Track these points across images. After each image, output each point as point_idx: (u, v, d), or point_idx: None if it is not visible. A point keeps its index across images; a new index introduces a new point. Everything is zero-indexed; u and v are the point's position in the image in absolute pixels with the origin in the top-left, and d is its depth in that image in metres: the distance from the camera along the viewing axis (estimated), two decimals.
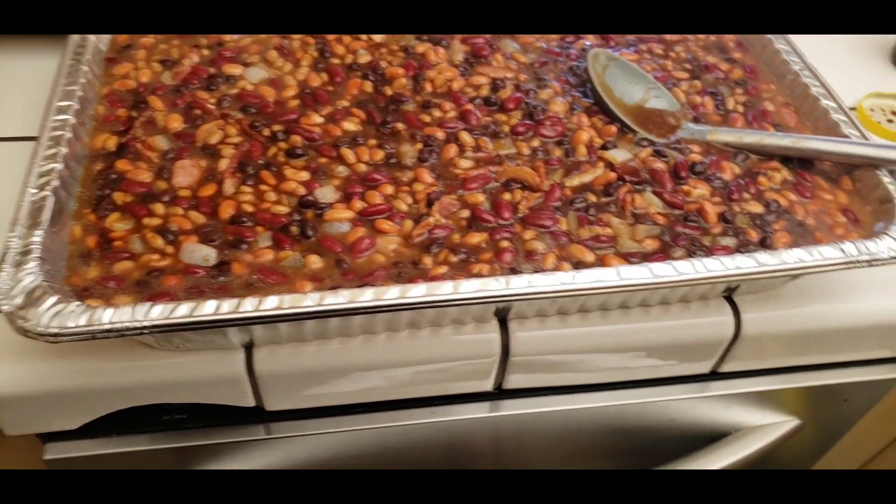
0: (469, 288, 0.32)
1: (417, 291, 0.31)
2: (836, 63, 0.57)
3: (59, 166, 0.35)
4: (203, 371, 0.36)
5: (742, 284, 0.39)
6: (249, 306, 0.31)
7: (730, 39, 0.49)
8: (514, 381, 0.41)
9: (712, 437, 0.47)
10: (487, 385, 0.41)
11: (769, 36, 0.47)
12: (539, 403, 0.42)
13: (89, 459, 0.39)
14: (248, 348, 0.36)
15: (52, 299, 0.30)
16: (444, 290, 0.32)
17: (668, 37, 0.49)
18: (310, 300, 0.31)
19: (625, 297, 0.38)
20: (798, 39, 0.49)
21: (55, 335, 0.29)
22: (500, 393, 0.42)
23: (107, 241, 0.34)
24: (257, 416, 0.40)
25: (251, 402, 0.39)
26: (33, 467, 0.40)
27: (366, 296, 0.31)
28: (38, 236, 0.32)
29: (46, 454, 0.38)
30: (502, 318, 0.38)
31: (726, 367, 0.43)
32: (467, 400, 0.42)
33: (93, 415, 0.37)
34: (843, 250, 0.35)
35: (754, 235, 0.37)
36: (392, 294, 0.31)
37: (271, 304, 0.31)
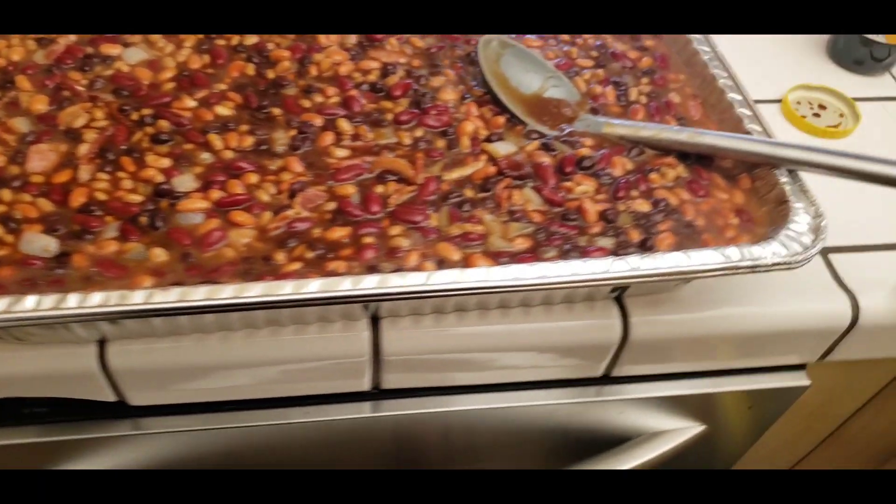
0: (311, 288, 0.30)
1: (253, 291, 0.30)
2: (768, 54, 0.55)
3: None
4: (52, 365, 0.35)
5: (631, 286, 0.37)
6: (73, 302, 0.29)
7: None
8: (392, 380, 0.39)
9: (612, 441, 0.45)
10: (364, 385, 0.39)
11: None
12: (422, 404, 0.41)
13: None
14: (101, 343, 0.35)
15: None
16: (284, 290, 0.30)
17: None
18: (137, 297, 0.29)
19: (505, 298, 0.36)
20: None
21: None
22: (379, 393, 0.40)
23: None
24: (123, 410, 0.38)
25: (112, 398, 0.37)
26: None
27: (196, 294, 0.29)
28: None
29: None
30: (374, 316, 0.36)
31: (620, 371, 0.41)
32: (346, 399, 0.40)
33: None
34: (724, 255, 0.33)
35: (636, 236, 0.35)
36: (225, 294, 0.30)
37: (95, 301, 0.29)
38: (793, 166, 0.37)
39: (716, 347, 0.41)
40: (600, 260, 0.32)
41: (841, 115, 0.50)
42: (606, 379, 0.42)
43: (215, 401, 0.39)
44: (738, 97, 0.41)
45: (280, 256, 0.33)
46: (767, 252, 0.33)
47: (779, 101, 0.51)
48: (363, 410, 0.40)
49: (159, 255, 0.32)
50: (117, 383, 0.36)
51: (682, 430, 0.46)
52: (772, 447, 0.54)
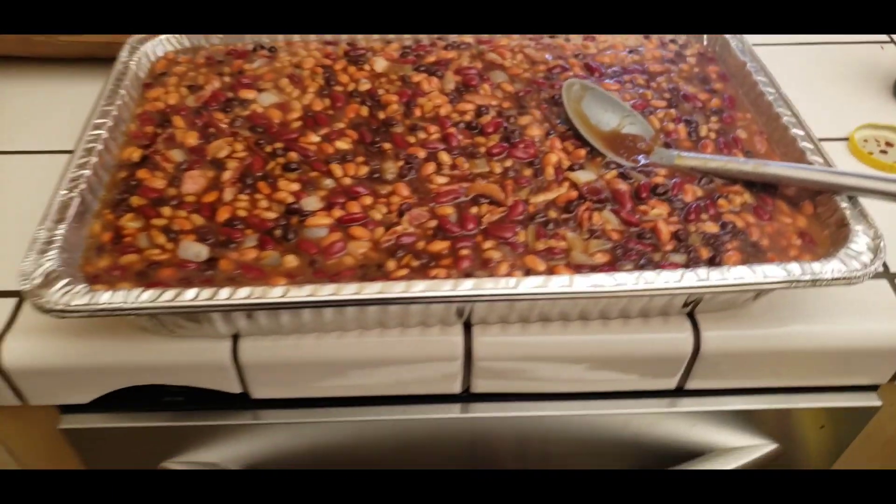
0: (418, 288, 0.35)
1: (371, 290, 0.35)
2: (833, 95, 0.58)
3: (87, 173, 0.41)
4: (193, 356, 0.41)
5: (702, 301, 0.40)
6: (224, 295, 0.35)
7: (713, 71, 0.52)
8: (480, 385, 0.43)
9: (685, 455, 0.48)
10: (455, 387, 0.44)
11: (748, 68, 0.49)
12: (506, 408, 0.45)
13: (96, 431, 0.44)
14: (235, 338, 0.41)
15: (64, 282, 0.35)
16: (396, 289, 0.35)
17: (651, 68, 0.51)
18: (277, 292, 0.35)
19: (585, 308, 0.40)
20: (787, 71, 0.51)
21: (61, 311, 0.35)
22: (468, 396, 0.45)
23: (119, 237, 0.40)
24: (245, 402, 0.44)
25: (237, 389, 0.43)
26: (50, 436, 0.45)
27: (325, 290, 0.35)
28: (61, 230, 0.38)
29: (61, 424, 0.44)
30: (466, 323, 0.41)
31: (692, 385, 0.44)
32: (440, 401, 0.45)
33: (101, 391, 0.43)
34: (787, 270, 0.37)
35: (705, 254, 0.39)
36: (348, 290, 0.35)
37: (242, 294, 0.35)
38: (852, 192, 0.40)
39: (785, 364, 0.43)
40: (673, 272, 0.36)
41: None
42: (680, 392, 0.45)
43: (326, 397, 0.44)
44: (801, 132, 0.44)
45: (391, 264, 0.38)
46: (828, 268, 0.37)
47: (846, 139, 0.54)
48: (453, 412, 0.45)
49: (291, 261, 0.39)
50: (244, 376, 0.42)
51: (753, 448, 0.48)
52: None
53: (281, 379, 0.42)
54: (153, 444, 0.46)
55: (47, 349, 0.41)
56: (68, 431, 0.44)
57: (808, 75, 0.60)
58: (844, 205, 0.40)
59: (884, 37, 0.66)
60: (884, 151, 0.53)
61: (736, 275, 0.36)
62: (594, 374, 0.43)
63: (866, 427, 0.48)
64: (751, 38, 0.62)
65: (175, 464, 0.47)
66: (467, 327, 0.41)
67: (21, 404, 0.43)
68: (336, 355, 0.41)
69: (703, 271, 0.36)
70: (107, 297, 0.35)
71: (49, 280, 0.35)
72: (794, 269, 0.37)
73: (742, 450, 0.48)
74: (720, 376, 0.44)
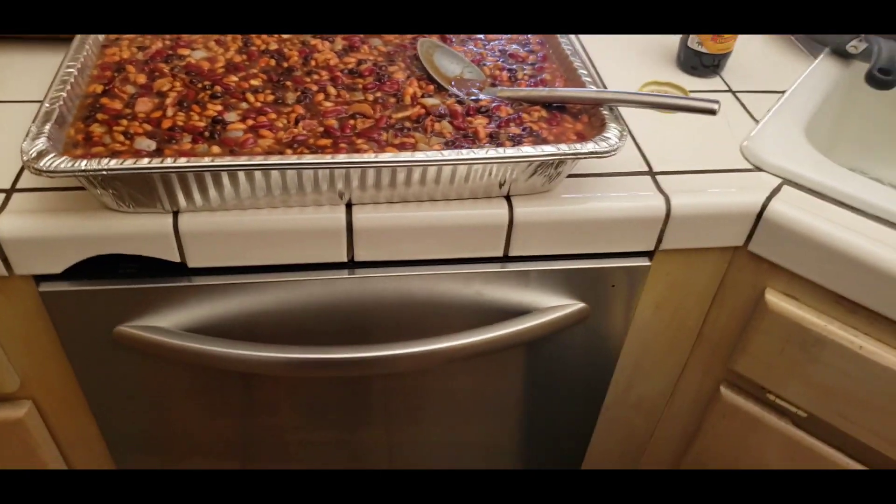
0: (308, 159, 0.51)
1: (272, 160, 0.51)
2: (633, 64, 0.78)
3: (63, 94, 0.56)
4: (143, 229, 0.55)
5: (512, 183, 0.58)
6: (169, 162, 0.50)
7: (534, 39, 0.70)
8: (361, 254, 0.59)
9: (515, 312, 0.64)
10: (343, 255, 0.59)
11: (559, 39, 0.68)
12: (382, 271, 0.61)
13: (66, 294, 0.58)
14: (176, 214, 0.55)
15: (52, 155, 0.50)
16: (290, 160, 0.51)
17: (489, 36, 0.70)
18: (206, 160, 0.51)
19: (431, 188, 0.57)
20: (601, 47, 0.71)
21: (51, 172, 0.49)
22: (354, 263, 0.60)
23: (89, 138, 0.54)
24: (184, 271, 0.58)
25: (177, 258, 0.57)
26: (32, 301, 0.58)
27: (241, 160, 0.51)
28: (47, 127, 0.52)
29: (41, 288, 0.57)
30: (348, 203, 0.57)
31: (514, 252, 0.61)
32: (333, 268, 0.60)
33: (71, 260, 0.56)
34: (558, 148, 0.54)
35: (508, 145, 0.57)
36: (257, 160, 0.51)
37: (182, 161, 0.50)
38: (611, 104, 0.58)
39: (579, 233, 0.61)
40: (482, 149, 0.54)
41: None
42: (506, 258, 0.62)
43: (250, 265, 0.59)
44: (585, 73, 0.63)
45: (288, 152, 0.54)
46: (586, 147, 0.55)
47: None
48: (343, 274, 0.60)
49: (216, 150, 0.54)
50: (182, 245, 0.57)
51: (567, 306, 0.65)
52: (656, 350, 0.73)
53: (212, 249, 0.57)
54: (110, 307, 0.59)
55: (31, 225, 0.54)
56: (45, 294, 0.57)
57: (617, 52, 0.80)
58: (606, 113, 0.58)
59: None
60: None
61: (524, 151, 0.54)
62: (442, 242, 0.59)
63: (645, 286, 0.66)
64: None
65: (128, 328, 0.60)
66: (349, 207, 0.57)
67: (8, 275, 0.56)
68: (253, 227, 0.56)
69: (501, 150, 0.54)
70: (83, 163, 0.50)
71: (41, 155, 0.50)
72: (563, 147, 0.54)
73: (558, 307, 0.65)
74: (533, 245, 0.61)
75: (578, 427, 0.80)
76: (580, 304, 0.65)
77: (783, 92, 0.74)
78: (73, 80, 0.58)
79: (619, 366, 0.74)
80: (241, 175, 0.53)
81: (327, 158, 0.52)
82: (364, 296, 0.62)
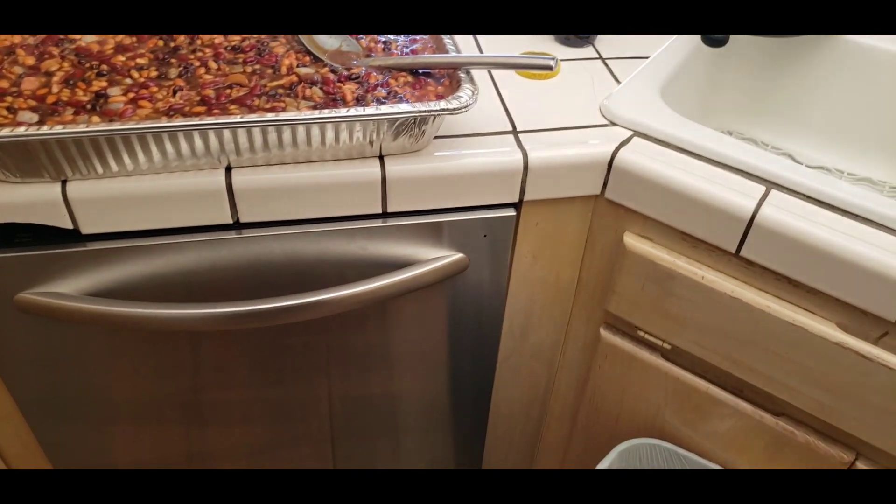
0: (179, 123, 0.56)
1: (146, 124, 0.55)
2: (516, 42, 0.84)
3: None
4: (34, 198, 0.59)
5: (384, 146, 0.63)
6: (45, 129, 0.54)
7: None
8: (245, 214, 0.64)
9: (398, 265, 0.70)
10: (227, 217, 0.64)
11: None
12: (272, 231, 0.66)
13: None
14: (64, 183, 0.60)
15: None
16: (160, 124, 0.56)
17: None
18: (81, 126, 0.55)
19: (306, 153, 0.62)
20: None
21: None
22: (240, 224, 0.65)
23: None
24: (78, 237, 0.63)
25: (69, 225, 0.62)
26: None
27: (115, 125, 0.55)
28: None
29: None
30: (228, 167, 0.62)
31: (391, 208, 0.66)
32: (223, 229, 0.65)
33: None
34: (415, 107, 0.60)
35: (372, 106, 0.62)
36: (131, 124, 0.55)
37: (45, 129, 0.55)
38: (468, 67, 0.64)
39: (448, 187, 0.66)
40: (344, 109, 0.59)
41: None
42: (385, 214, 0.67)
43: (138, 230, 0.63)
44: (450, 42, 0.68)
45: (164, 119, 0.59)
46: (439, 105, 0.60)
47: None
48: (231, 235, 0.65)
49: (96, 120, 0.58)
50: (73, 212, 0.61)
51: (446, 257, 0.70)
52: (542, 299, 0.79)
53: (102, 215, 0.61)
54: (9, 275, 0.63)
55: None
56: None
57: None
58: (463, 76, 0.64)
59: None
60: None
61: (383, 110, 0.59)
62: (323, 201, 0.64)
63: (518, 237, 0.72)
64: None
65: (29, 294, 0.64)
66: (228, 171, 0.62)
67: None
68: (139, 193, 0.61)
69: (360, 109, 0.59)
70: None
71: None
72: (419, 106, 0.60)
73: (437, 259, 0.70)
74: (408, 200, 0.66)
75: (481, 375, 0.86)
76: (458, 255, 0.71)
77: (649, 57, 0.81)
78: None
79: (509, 315, 0.80)
80: (119, 141, 0.57)
81: (195, 121, 0.56)
82: (253, 255, 0.67)
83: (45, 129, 0.54)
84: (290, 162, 0.63)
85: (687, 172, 0.64)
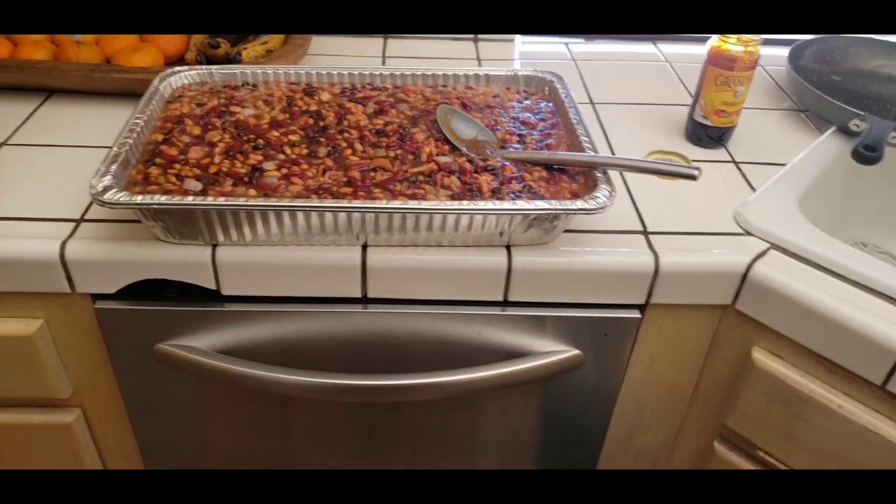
0: (327, 203, 0.59)
1: (299, 202, 0.59)
2: (643, 133, 0.84)
3: (129, 141, 0.66)
4: (185, 258, 0.64)
5: (511, 233, 0.64)
6: (210, 199, 0.59)
7: (546, 108, 0.78)
8: (373, 289, 0.66)
9: (512, 354, 0.69)
10: (357, 291, 0.66)
11: (567, 106, 0.75)
12: (393, 308, 0.67)
13: (118, 312, 0.66)
14: (214, 247, 0.64)
15: (114, 190, 0.59)
16: (313, 203, 0.59)
17: (505, 105, 0.77)
18: (241, 200, 0.59)
19: (438, 235, 0.64)
20: (615, 120, 0.78)
21: (113, 204, 0.58)
22: (367, 299, 0.67)
23: (147, 178, 0.64)
24: (218, 297, 0.66)
25: (213, 286, 0.65)
26: (88, 316, 0.67)
27: (271, 201, 0.59)
28: (113, 167, 0.62)
29: (97, 305, 0.66)
30: (364, 245, 0.64)
31: (513, 297, 0.67)
32: (348, 302, 0.67)
33: (124, 282, 0.65)
34: (550, 204, 0.61)
35: (508, 200, 0.63)
36: (284, 201, 0.59)
37: (221, 200, 0.59)
38: (604, 168, 0.65)
39: (574, 283, 0.66)
40: (484, 202, 0.60)
41: None
42: (505, 303, 0.68)
43: (278, 296, 0.66)
44: (587, 140, 0.69)
45: (313, 197, 0.62)
46: (576, 204, 0.61)
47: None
48: (357, 308, 0.67)
49: (253, 193, 0.62)
50: (218, 274, 0.65)
51: (564, 351, 0.70)
52: (653, 402, 0.76)
53: (243, 279, 0.65)
54: (153, 326, 0.68)
55: (94, 250, 0.64)
56: (100, 311, 0.66)
57: (631, 123, 0.86)
58: (600, 175, 0.64)
59: (689, 101, 0.93)
60: None
61: (518, 205, 0.60)
62: (447, 284, 0.66)
63: (638, 339, 0.71)
64: (597, 97, 0.90)
65: (167, 346, 0.68)
66: (364, 248, 0.65)
67: (70, 292, 0.65)
68: (280, 262, 0.64)
69: (498, 202, 0.60)
70: (138, 198, 0.59)
71: (105, 189, 0.59)
72: (555, 203, 0.61)
73: (554, 352, 0.69)
74: (531, 292, 0.67)
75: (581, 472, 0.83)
76: (575, 351, 0.70)
77: (785, 164, 0.79)
78: (139, 129, 0.68)
79: (618, 413, 0.78)
80: (271, 215, 0.61)
81: (344, 203, 0.59)
82: (375, 329, 0.69)
83: (209, 199, 0.59)
84: (422, 245, 0.65)
85: (830, 294, 0.62)
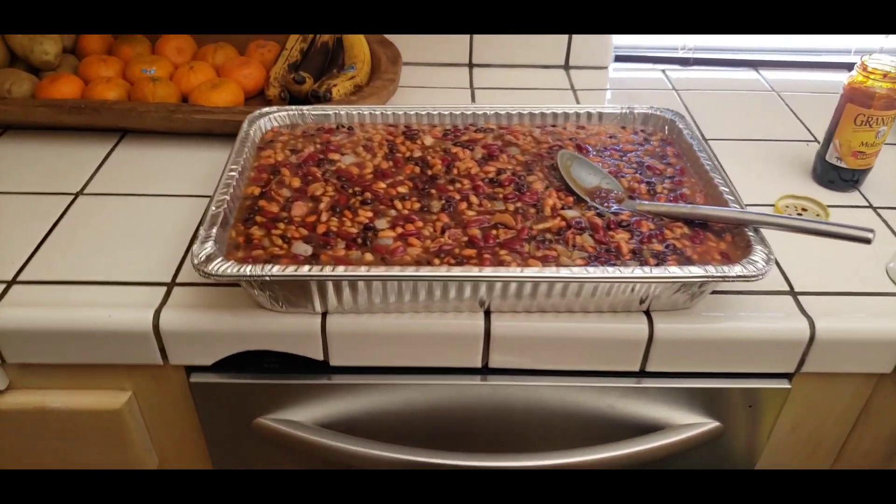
0: (455, 272, 0.53)
1: (424, 271, 0.53)
2: (768, 176, 0.77)
3: (226, 198, 0.60)
4: (292, 328, 0.58)
5: (653, 298, 0.57)
6: (328, 270, 0.53)
7: (670, 151, 0.71)
8: (496, 360, 0.60)
9: (647, 428, 0.63)
10: (477, 361, 0.60)
11: (695, 148, 0.69)
12: (515, 380, 0.61)
13: (214, 386, 0.60)
14: (324, 315, 0.58)
15: (219, 259, 0.53)
16: (440, 272, 0.53)
17: (624, 148, 0.71)
18: (362, 270, 0.53)
19: (570, 300, 0.57)
20: (735, 159, 0.70)
21: (219, 276, 0.52)
22: (487, 370, 0.61)
23: (249, 240, 0.58)
24: (324, 368, 0.60)
25: (320, 357, 0.59)
26: (181, 389, 0.62)
27: (393, 270, 0.53)
28: (214, 230, 0.56)
29: (192, 378, 0.60)
30: (487, 311, 0.58)
31: (651, 367, 0.60)
32: (467, 372, 0.61)
33: (223, 353, 0.59)
34: (705, 270, 0.54)
35: (652, 262, 0.56)
36: (409, 271, 0.53)
37: (340, 270, 0.53)
38: (756, 225, 0.58)
39: (719, 352, 0.59)
40: (627, 268, 0.54)
41: (817, 215, 0.71)
42: (643, 373, 0.61)
43: (388, 366, 0.60)
44: (727, 190, 0.63)
45: (436, 261, 0.56)
46: (734, 269, 0.54)
47: (772, 205, 0.72)
48: (476, 380, 0.61)
49: (369, 258, 0.56)
50: (328, 345, 0.59)
51: (701, 424, 0.63)
52: (780, 446, 0.69)
53: (354, 349, 0.59)
54: (253, 400, 0.62)
55: (189, 319, 0.58)
56: (194, 385, 0.61)
57: (749, 162, 0.79)
58: (751, 234, 0.58)
59: (809, 136, 0.86)
60: (799, 214, 0.71)
61: (671, 272, 0.54)
62: (579, 354, 0.59)
63: (784, 408, 0.63)
64: (707, 132, 0.83)
65: (267, 420, 0.62)
66: (487, 315, 0.58)
67: (162, 364, 0.60)
68: (395, 331, 0.58)
69: (647, 268, 0.54)
70: (247, 269, 0.53)
71: (209, 258, 0.53)
72: (711, 269, 0.54)
73: (692, 426, 0.63)
74: (671, 361, 0.60)
75: None
76: (715, 423, 0.63)
77: None
78: (234, 182, 0.63)
79: None
80: (393, 285, 0.55)
81: (475, 271, 0.53)
82: (494, 402, 0.62)
83: (327, 269, 0.53)
84: (550, 311, 0.58)
85: None
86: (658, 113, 0.74)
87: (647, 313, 0.59)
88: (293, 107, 0.74)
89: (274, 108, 0.74)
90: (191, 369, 0.61)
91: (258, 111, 0.73)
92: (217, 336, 0.58)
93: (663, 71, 1.00)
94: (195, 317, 0.58)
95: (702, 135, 0.85)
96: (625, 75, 0.99)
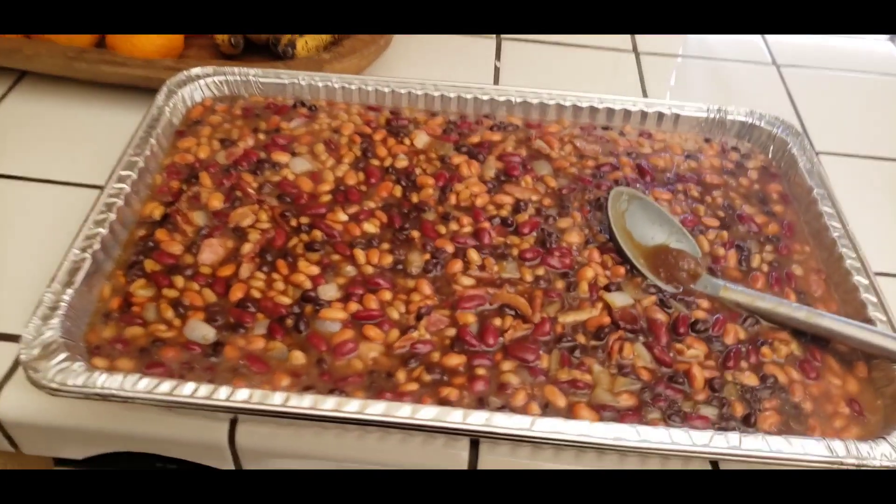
0: (425, 415, 0.33)
1: (375, 409, 0.33)
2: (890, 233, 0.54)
3: (104, 231, 0.40)
4: (189, 433, 0.39)
5: None
6: (222, 395, 0.33)
7: (774, 190, 0.48)
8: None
9: None
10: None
11: (815, 194, 0.46)
12: None
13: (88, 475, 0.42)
14: (233, 422, 0.39)
15: (62, 356, 0.34)
16: (402, 412, 0.33)
17: (708, 178, 0.48)
18: (276, 398, 0.33)
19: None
20: (849, 204, 0.47)
21: (54, 390, 0.33)
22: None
23: (128, 304, 0.38)
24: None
25: (231, 467, 0.41)
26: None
27: (327, 404, 0.33)
28: (68, 295, 0.37)
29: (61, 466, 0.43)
30: (474, 440, 0.39)
31: None
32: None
33: (94, 451, 0.41)
34: (829, 447, 0.33)
35: (739, 410, 0.36)
36: (351, 407, 0.33)
37: (241, 396, 0.33)
38: None
39: None
40: (702, 432, 0.33)
41: None
42: None
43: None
44: (865, 281, 0.41)
45: (401, 375, 0.36)
46: (877, 452, 0.33)
47: None
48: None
49: (298, 357, 0.36)
50: (239, 457, 0.40)
51: None
52: None
53: (275, 465, 0.40)
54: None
55: (43, 406, 0.39)
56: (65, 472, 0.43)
57: (875, 196, 0.56)
58: None
59: None
60: None
61: (771, 446, 0.33)
62: None
63: None
64: (818, 145, 0.59)
65: None
66: (474, 443, 0.39)
67: (15, 451, 0.42)
68: (334, 453, 0.39)
69: (734, 436, 0.33)
70: (102, 381, 0.33)
71: (48, 352, 0.34)
72: (838, 448, 0.33)
73: None
74: None
75: None
76: None
77: None
78: (124, 197, 0.42)
79: None
80: (326, 429, 0.35)
81: (453, 418, 0.33)
82: None
83: (221, 395, 0.33)
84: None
85: None
86: (761, 124, 0.51)
87: (714, 463, 0.39)
88: (234, 67, 0.52)
89: (209, 70, 0.51)
90: (59, 460, 0.44)
91: (184, 73, 0.51)
92: (84, 432, 0.40)
93: (763, 37, 0.73)
94: (52, 403, 0.39)
95: (810, 144, 0.60)
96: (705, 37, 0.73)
